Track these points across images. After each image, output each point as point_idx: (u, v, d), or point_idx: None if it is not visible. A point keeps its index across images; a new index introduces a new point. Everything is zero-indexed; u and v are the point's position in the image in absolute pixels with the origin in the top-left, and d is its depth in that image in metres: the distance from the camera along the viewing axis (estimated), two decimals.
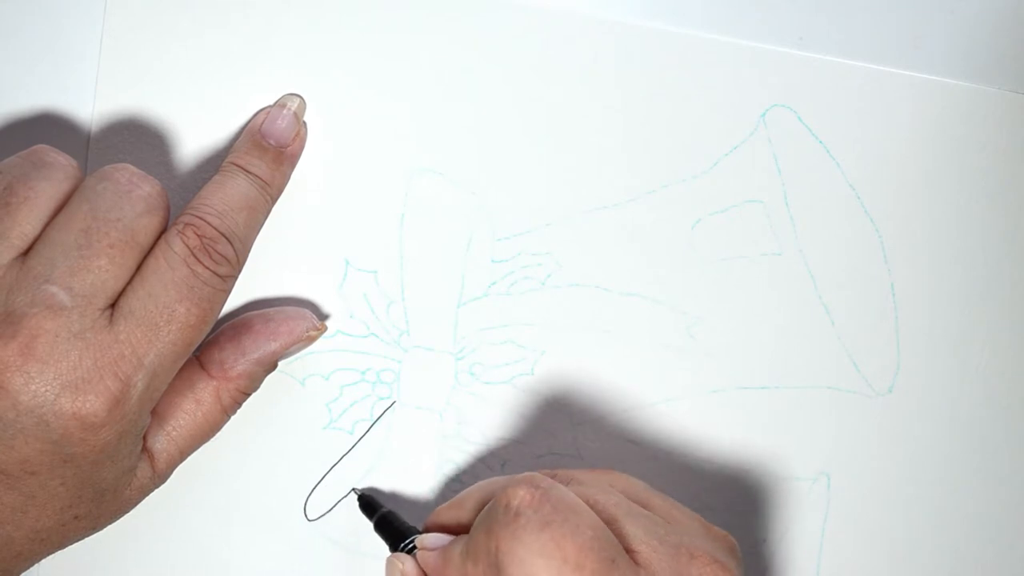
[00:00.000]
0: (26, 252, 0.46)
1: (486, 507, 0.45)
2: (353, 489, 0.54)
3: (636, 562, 0.44)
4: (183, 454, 0.51)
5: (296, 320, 0.52)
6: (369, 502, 0.53)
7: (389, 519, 0.52)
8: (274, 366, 0.52)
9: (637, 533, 0.45)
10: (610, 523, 0.45)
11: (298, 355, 0.53)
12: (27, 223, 0.46)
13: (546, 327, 0.54)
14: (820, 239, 0.54)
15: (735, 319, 0.54)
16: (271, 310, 0.52)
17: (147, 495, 0.50)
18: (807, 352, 0.54)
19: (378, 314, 0.54)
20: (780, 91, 0.54)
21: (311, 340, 0.52)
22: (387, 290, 0.54)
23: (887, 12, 0.54)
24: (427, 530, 0.50)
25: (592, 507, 0.45)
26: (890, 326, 0.55)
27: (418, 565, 0.49)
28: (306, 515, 0.54)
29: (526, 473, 0.45)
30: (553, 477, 0.48)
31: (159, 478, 0.50)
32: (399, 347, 0.54)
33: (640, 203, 0.54)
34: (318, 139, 0.53)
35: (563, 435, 0.54)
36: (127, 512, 0.50)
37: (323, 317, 0.54)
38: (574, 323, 0.54)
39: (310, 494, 0.54)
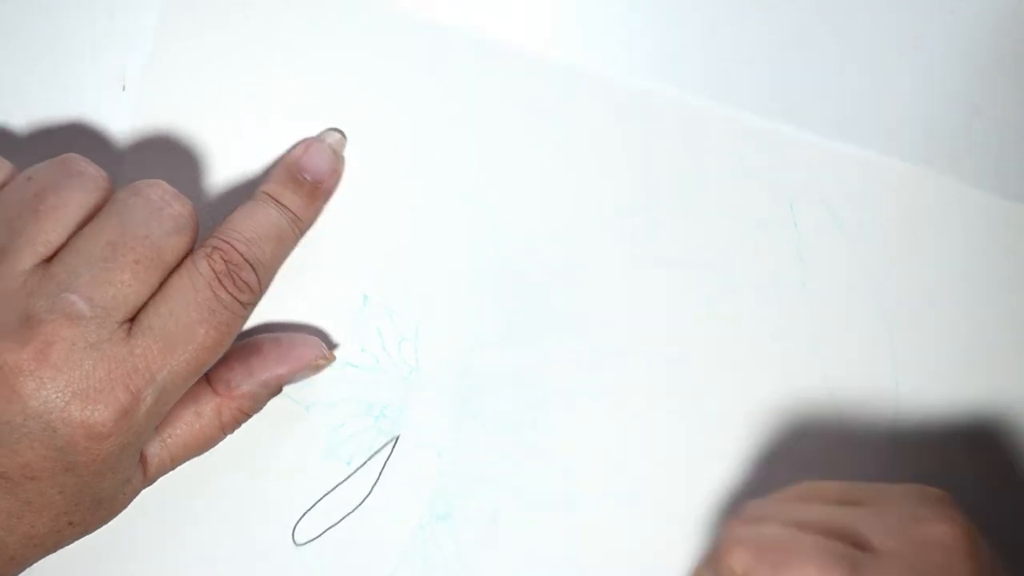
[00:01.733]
0: (49, 259, 0.46)
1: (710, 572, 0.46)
2: None
3: (873, 553, 0.44)
4: (174, 462, 0.51)
5: (306, 347, 0.52)
6: None
7: None
8: (279, 390, 0.53)
9: (858, 527, 0.45)
10: (828, 534, 0.45)
11: (305, 381, 0.54)
12: (53, 231, 0.46)
13: (556, 382, 0.55)
14: (832, 331, 0.55)
15: (736, 406, 0.55)
16: (283, 335, 0.53)
17: (136, 496, 0.51)
18: (801, 444, 0.55)
19: (389, 350, 0.54)
20: (810, 181, 0.55)
21: (319, 368, 0.53)
22: (401, 327, 0.54)
23: (887, 12, 0.54)
24: None
25: (800, 530, 0.46)
26: (888, 424, 0.56)
27: None
28: (294, 539, 0.55)
29: (728, 531, 0.46)
30: (744, 523, 0.47)
31: (148, 481, 0.51)
32: (407, 384, 0.54)
33: (657, 271, 0.55)
34: (351, 167, 0.54)
35: (559, 489, 0.55)
36: (116, 515, 0.50)
37: (332, 346, 0.54)
38: (584, 382, 0.55)
39: (300, 519, 0.54)
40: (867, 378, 0.55)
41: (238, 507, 0.54)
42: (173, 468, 0.51)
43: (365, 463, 0.55)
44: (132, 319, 0.46)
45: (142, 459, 0.50)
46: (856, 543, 0.45)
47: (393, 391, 0.54)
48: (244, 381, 0.51)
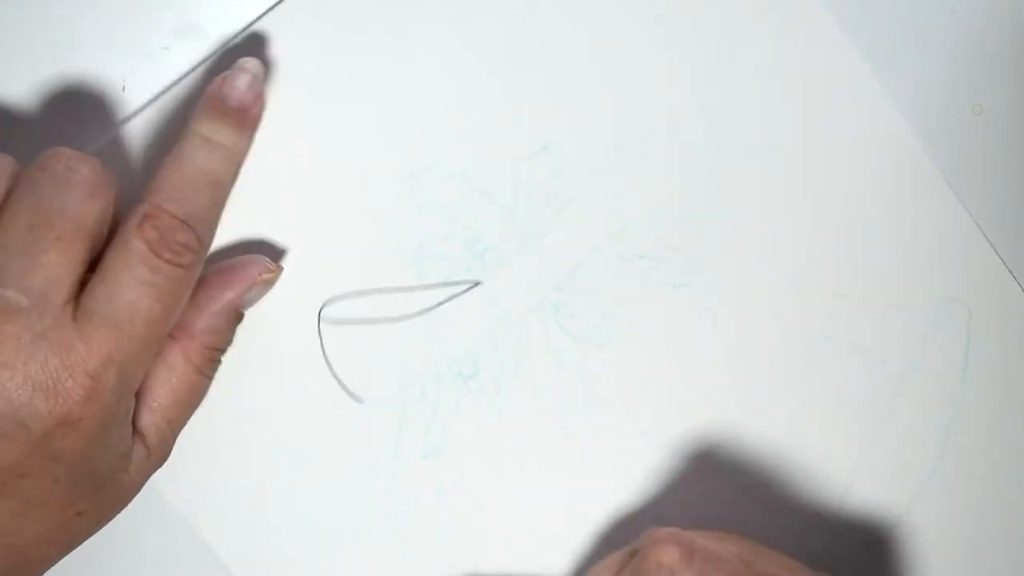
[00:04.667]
0: None
1: (629, 570, 0.47)
2: None
3: None
4: (172, 423, 0.51)
5: (248, 266, 0.52)
6: None
7: None
8: (238, 316, 0.52)
9: (770, 573, 0.47)
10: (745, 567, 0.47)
11: (440, 186, 0.54)
12: None
13: (644, 324, 0.55)
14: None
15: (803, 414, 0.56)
16: (223, 262, 0.52)
17: (149, 475, 0.51)
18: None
19: (531, 205, 0.54)
20: (969, 289, 0.56)
21: (268, 283, 0.52)
22: (555, 193, 0.54)
23: (886, 11, 0.55)
24: None
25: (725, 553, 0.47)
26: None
27: None
28: (319, 315, 0.54)
29: (658, 530, 0.47)
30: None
31: (155, 455, 0.50)
32: (521, 243, 0.55)
33: (804, 296, 0.55)
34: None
35: (580, 414, 0.55)
36: (132, 498, 0.50)
37: (278, 257, 0.54)
38: (668, 337, 0.55)
39: (333, 300, 0.54)
40: None
41: (290, 267, 0.54)
42: (175, 430, 0.51)
43: (432, 287, 0.54)
44: (76, 298, 0.46)
45: (138, 434, 0.50)
46: None
47: (506, 241, 0.54)
48: (197, 317, 0.51)
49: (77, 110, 0.53)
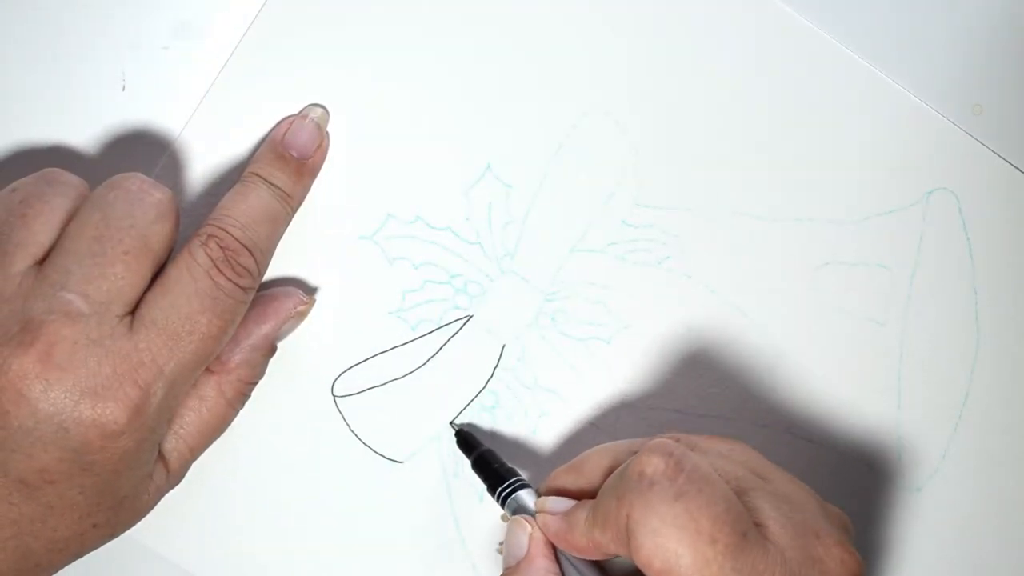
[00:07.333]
0: (41, 262, 0.47)
1: (616, 473, 0.45)
2: (451, 423, 0.54)
3: (765, 537, 0.43)
4: (193, 452, 0.51)
5: (282, 299, 0.52)
6: (467, 439, 0.53)
7: (488, 459, 0.52)
8: (272, 349, 0.53)
9: (764, 507, 0.44)
10: (738, 495, 0.44)
11: (399, 236, 0.54)
12: (42, 233, 0.47)
13: (642, 305, 0.55)
14: (926, 326, 0.55)
15: (812, 370, 0.55)
16: (257, 295, 0.52)
17: (163, 496, 0.51)
18: (860, 423, 0.55)
19: (493, 227, 0.55)
20: (949, 173, 0.55)
21: (301, 316, 0.53)
22: (513, 208, 0.55)
23: (887, 10, 0.55)
24: (545, 493, 0.50)
25: (720, 477, 0.45)
26: (947, 431, 0.55)
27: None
28: (332, 391, 0.54)
29: (658, 439, 0.45)
30: (676, 441, 0.46)
31: (173, 478, 0.51)
32: (498, 266, 0.55)
33: (782, 225, 0.55)
34: (509, 48, 0.55)
35: (608, 410, 0.54)
36: (144, 516, 0.50)
37: (310, 291, 0.54)
38: (669, 312, 0.55)
39: (344, 371, 0.54)
40: (943, 381, 0.56)
41: (288, 348, 0.54)
42: (195, 457, 0.51)
43: (429, 333, 0.54)
44: (132, 312, 0.47)
45: (161, 457, 0.50)
46: (755, 519, 0.44)
47: (482, 270, 0.55)
48: (233, 351, 0.51)
49: (78, 110, 0.54)
